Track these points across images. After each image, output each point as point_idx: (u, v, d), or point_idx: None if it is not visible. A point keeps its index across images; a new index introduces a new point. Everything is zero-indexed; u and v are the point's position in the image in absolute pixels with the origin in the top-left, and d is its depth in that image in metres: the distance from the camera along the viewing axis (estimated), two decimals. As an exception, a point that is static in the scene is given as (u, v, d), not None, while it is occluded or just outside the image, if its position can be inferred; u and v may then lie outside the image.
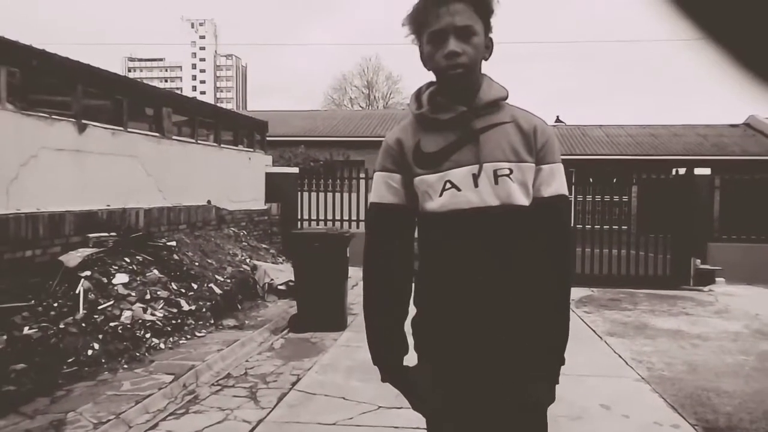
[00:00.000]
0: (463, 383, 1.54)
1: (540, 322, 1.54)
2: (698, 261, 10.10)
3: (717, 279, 9.96)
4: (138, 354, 4.83)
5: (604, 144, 19.29)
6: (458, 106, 1.53)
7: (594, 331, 6.46)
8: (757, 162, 16.84)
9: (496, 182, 1.50)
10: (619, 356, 5.46)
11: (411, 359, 1.62)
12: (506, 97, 1.59)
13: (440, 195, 1.51)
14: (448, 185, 1.50)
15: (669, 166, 12.77)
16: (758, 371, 5.07)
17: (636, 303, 8.38)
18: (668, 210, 10.33)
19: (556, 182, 1.56)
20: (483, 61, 1.56)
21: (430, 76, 1.60)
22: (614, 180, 11.36)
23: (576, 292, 8.95)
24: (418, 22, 1.52)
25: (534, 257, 1.53)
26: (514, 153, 1.52)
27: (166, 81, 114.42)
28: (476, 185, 1.50)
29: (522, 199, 1.51)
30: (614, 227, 10.64)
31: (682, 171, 10.65)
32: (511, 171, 1.51)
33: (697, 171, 10.45)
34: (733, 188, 11.35)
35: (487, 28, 1.53)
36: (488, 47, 1.55)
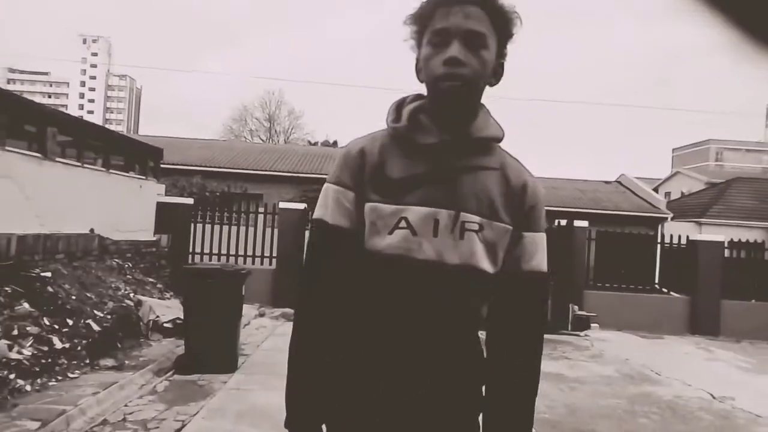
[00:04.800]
0: None
1: (502, 405, 1.32)
2: (576, 307, 10.81)
3: (592, 324, 10.69)
4: (-1, 398, 4.33)
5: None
6: (443, 132, 1.24)
7: (482, 374, 6.67)
8: (627, 217, 18.51)
9: (462, 236, 1.22)
10: (506, 399, 5.66)
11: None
12: (501, 139, 1.32)
13: (390, 232, 1.22)
14: (403, 224, 1.22)
15: (551, 216, 13.70)
16: (628, 413, 5.47)
17: (521, 346, 8.75)
18: (550, 258, 10.94)
19: (538, 255, 1.32)
20: (487, 88, 1.30)
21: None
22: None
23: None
24: (423, 18, 1.24)
25: (492, 334, 1.34)
26: (490, 207, 1.25)
27: (49, 96, 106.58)
28: (436, 234, 1.22)
29: (486, 264, 1.25)
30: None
31: (563, 222, 11.46)
32: (481, 227, 1.24)
33: (577, 223, 11.31)
34: (606, 240, 12.36)
35: (500, 50, 1.27)
36: (497, 73, 1.29)
